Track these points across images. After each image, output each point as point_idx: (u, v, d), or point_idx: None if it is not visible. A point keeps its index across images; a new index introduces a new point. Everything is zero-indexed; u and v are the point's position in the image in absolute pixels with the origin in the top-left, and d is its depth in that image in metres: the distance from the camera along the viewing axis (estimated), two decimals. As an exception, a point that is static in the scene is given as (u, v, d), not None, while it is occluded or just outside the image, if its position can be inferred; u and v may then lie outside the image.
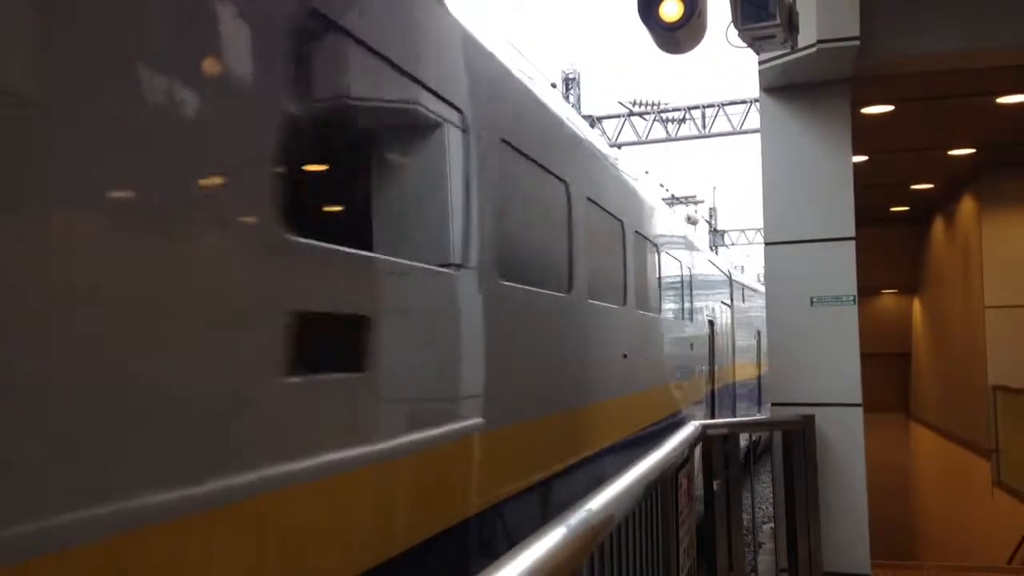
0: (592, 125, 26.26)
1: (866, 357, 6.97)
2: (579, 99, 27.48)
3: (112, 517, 2.01)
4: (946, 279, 14.71)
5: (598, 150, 7.11)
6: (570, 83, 27.86)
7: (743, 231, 46.15)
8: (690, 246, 11.71)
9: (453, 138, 3.92)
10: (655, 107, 27.45)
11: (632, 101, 27.99)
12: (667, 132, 27.30)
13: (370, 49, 3.25)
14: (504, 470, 4.42)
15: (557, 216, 5.69)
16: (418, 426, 3.51)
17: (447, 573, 3.71)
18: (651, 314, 8.55)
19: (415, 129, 3.82)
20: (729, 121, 26.35)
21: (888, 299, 18.15)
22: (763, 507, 14.39)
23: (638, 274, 7.90)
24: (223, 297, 2.40)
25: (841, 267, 6.85)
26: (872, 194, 11.01)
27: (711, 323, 13.05)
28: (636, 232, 7.91)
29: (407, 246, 3.61)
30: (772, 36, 4.95)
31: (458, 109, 3.93)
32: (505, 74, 4.75)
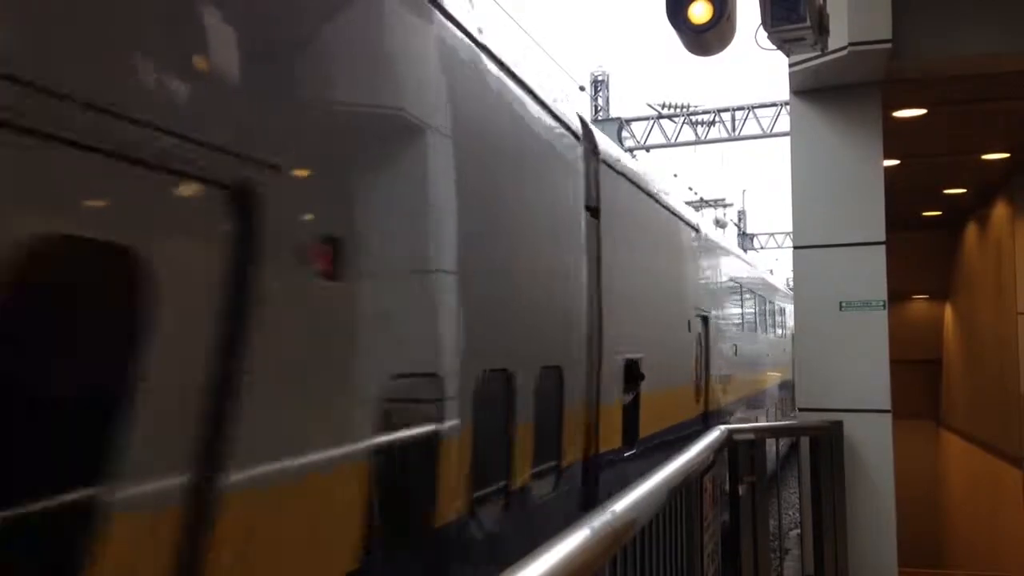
0: (620, 128, 26.20)
1: (896, 363, 6.89)
2: (608, 101, 27.44)
3: None
4: (978, 285, 14.52)
5: None
6: (599, 85, 27.83)
7: (772, 235, 45.89)
8: None
9: None
10: (684, 109, 27.35)
11: (661, 103, 27.94)
12: (696, 135, 27.19)
13: None
14: None
15: None
16: None
17: None
18: None
19: None
20: (759, 124, 26.20)
21: (919, 304, 17.94)
22: (790, 513, 14.29)
23: None
24: None
25: (871, 272, 6.79)
26: (904, 198, 10.88)
27: None
28: None
29: None
30: (802, 38, 4.91)
31: None
32: None
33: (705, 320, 10.96)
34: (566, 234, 6.02)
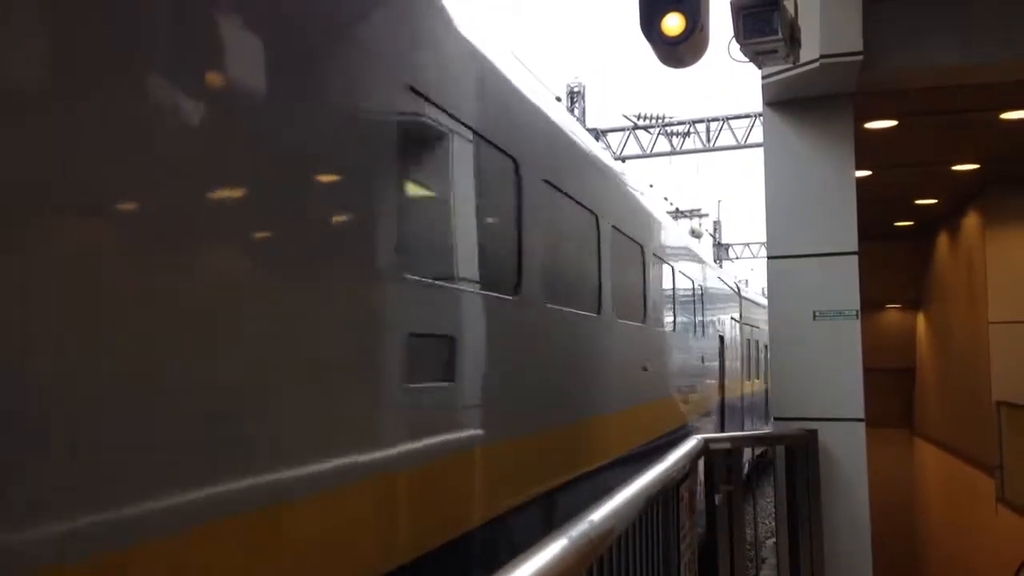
0: (596, 138, 26.32)
1: (869, 372, 6.95)
2: (583, 112, 27.55)
3: None
4: (950, 294, 14.69)
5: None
6: (574, 96, 27.93)
7: (747, 245, 46.16)
8: None
9: None
10: (659, 120, 27.49)
11: (636, 114, 28.05)
12: (671, 145, 27.32)
13: None
14: None
15: None
16: None
17: None
18: None
19: None
20: (733, 135, 26.37)
21: (892, 314, 18.11)
22: (766, 522, 14.36)
23: None
24: None
25: (844, 282, 6.84)
26: (876, 209, 10.99)
27: None
28: None
29: None
30: (774, 51, 4.96)
31: None
32: None
33: None
34: None
